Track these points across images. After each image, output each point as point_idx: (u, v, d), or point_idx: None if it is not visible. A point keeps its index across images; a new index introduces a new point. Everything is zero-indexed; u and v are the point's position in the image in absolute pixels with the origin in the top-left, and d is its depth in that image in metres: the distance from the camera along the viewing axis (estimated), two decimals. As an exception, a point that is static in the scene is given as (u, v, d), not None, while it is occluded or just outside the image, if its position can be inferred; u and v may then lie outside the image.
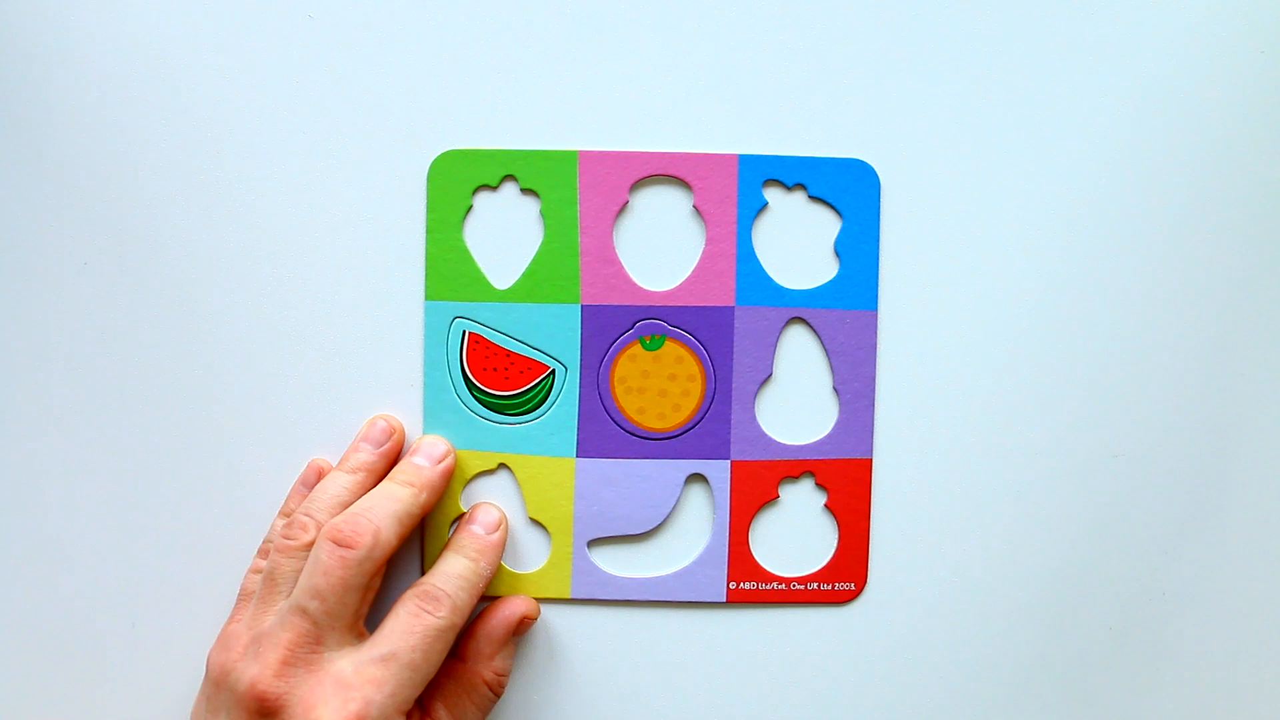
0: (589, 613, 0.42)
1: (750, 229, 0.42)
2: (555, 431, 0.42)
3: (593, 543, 0.42)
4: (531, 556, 0.42)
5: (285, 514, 0.41)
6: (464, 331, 0.42)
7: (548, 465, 0.42)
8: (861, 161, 0.41)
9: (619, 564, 0.42)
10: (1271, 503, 0.42)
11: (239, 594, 0.40)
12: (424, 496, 0.39)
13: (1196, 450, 0.42)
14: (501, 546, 0.41)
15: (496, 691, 0.40)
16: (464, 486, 0.42)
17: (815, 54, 0.41)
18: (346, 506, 0.39)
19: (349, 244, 0.41)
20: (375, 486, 0.40)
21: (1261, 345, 0.42)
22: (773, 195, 0.42)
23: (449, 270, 0.41)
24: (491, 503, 0.42)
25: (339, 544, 0.37)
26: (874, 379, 0.42)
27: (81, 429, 0.42)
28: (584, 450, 0.42)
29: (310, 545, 0.38)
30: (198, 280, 0.41)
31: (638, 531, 0.42)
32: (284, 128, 0.41)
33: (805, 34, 0.41)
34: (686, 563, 0.42)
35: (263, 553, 0.41)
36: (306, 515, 0.39)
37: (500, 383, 0.42)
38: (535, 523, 0.42)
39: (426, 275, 0.41)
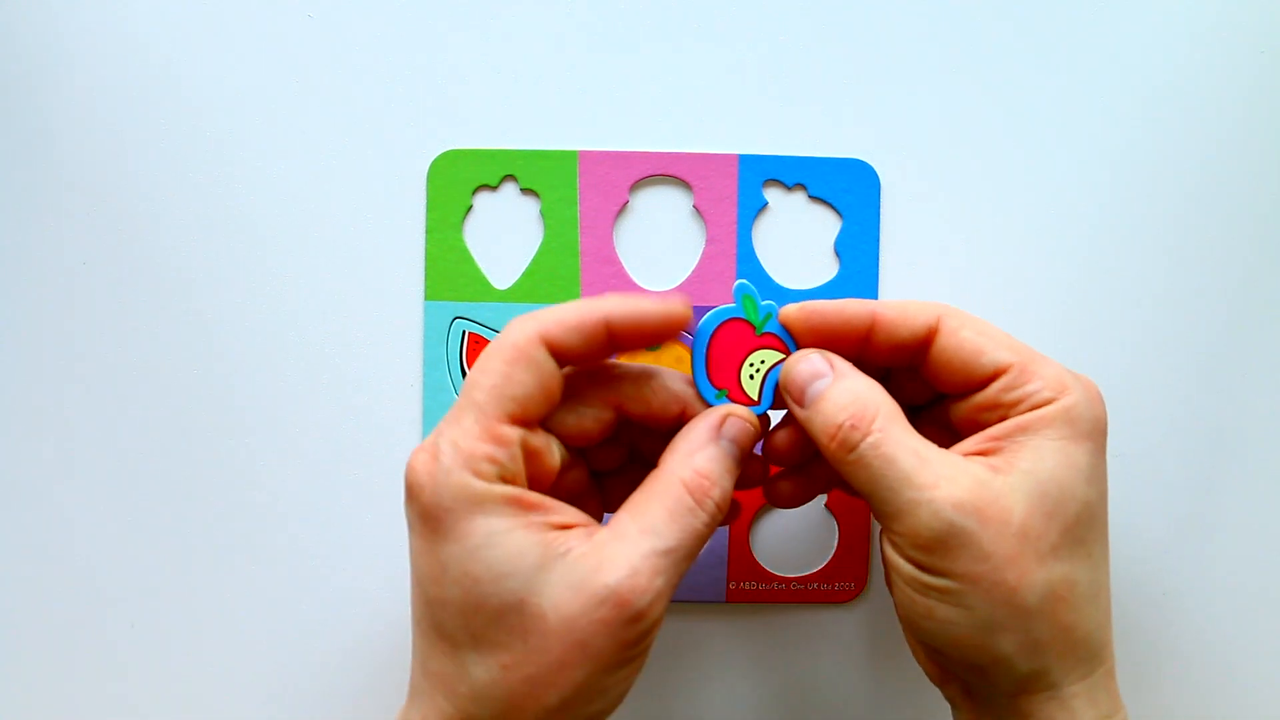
0: (589, 613, 0.42)
1: (750, 229, 0.42)
2: (555, 431, 0.42)
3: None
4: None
5: None
6: (464, 331, 0.42)
7: (548, 465, 0.42)
8: (861, 161, 0.41)
9: (619, 564, 0.42)
10: (1271, 503, 0.42)
11: None
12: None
13: (1196, 450, 0.42)
14: (651, 306, 0.33)
15: (699, 497, 0.31)
16: (464, 486, 0.42)
17: (815, 54, 0.41)
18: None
19: (349, 244, 0.41)
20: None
21: (1261, 346, 0.42)
22: (773, 195, 0.42)
23: (449, 270, 0.41)
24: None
25: None
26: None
27: (81, 428, 0.42)
28: (584, 450, 0.42)
29: None
30: (197, 280, 0.41)
31: (638, 531, 0.42)
32: (284, 128, 0.41)
33: (805, 34, 0.41)
34: (686, 563, 0.42)
35: None
36: None
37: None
38: (535, 523, 0.42)
39: (426, 275, 0.41)
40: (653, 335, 0.33)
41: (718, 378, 0.35)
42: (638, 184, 0.42)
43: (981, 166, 0.42)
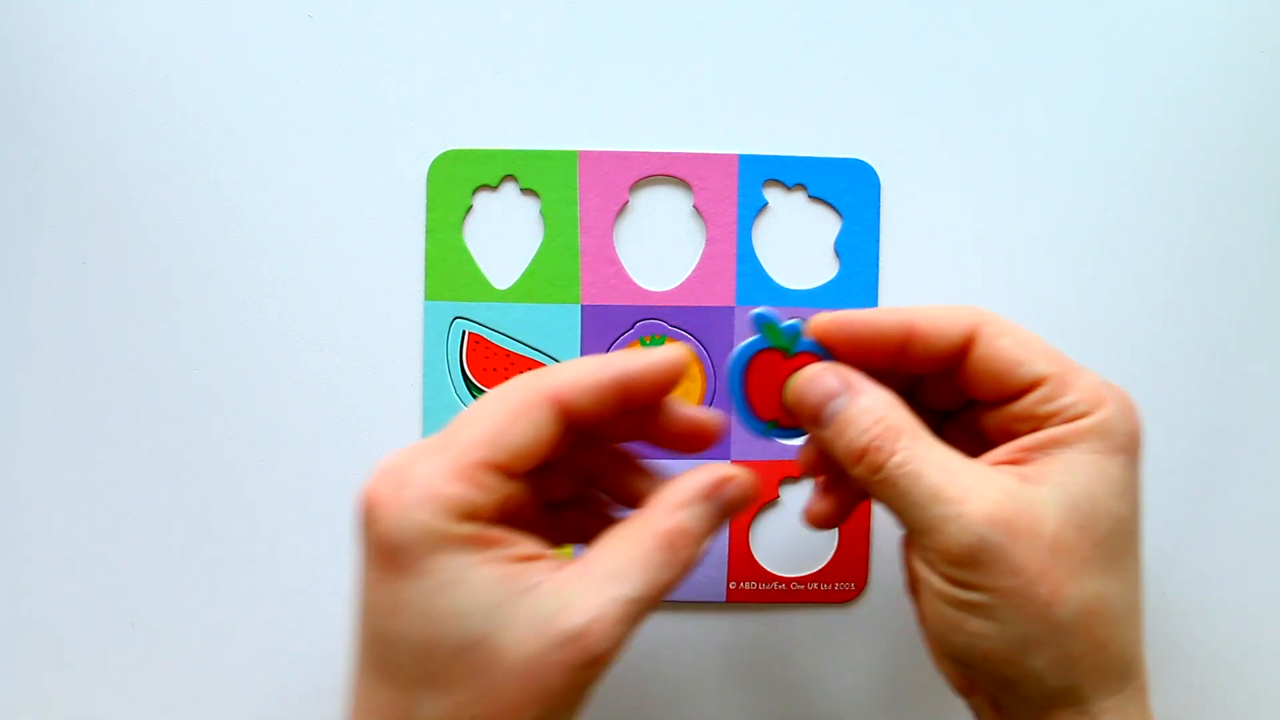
0: (589, 613, 0.42)
1: (750, 229, 0.42)
2: (555, 431, 0.42)
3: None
4: (531, 556, 0.42)
5: None
6: (464, 332, 0.41)
7: (548, 465, 0.42)
8: (861, 161, 0.41)
9: (619, 564, 0.42)
10: (1271, 503, 0.42)
11: None
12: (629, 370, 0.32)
13: (1197, 450, 0.42)
14: (659, 361, 0.32)
15: (673, 550, 0.30)
16: (464, 486, 0.42)
17: (815, 54, 0.41)
18: None
19: (349, 244, 0.41)
20: None
21: (1261, 346, 0.42)
22: (773, 195, 0.42)
23: (449, 270, 0.41)
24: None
25: None
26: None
27: (81, 428, 0.42)
28: (584, 450, 0.42)
29: None
30: (197, 280, 0.41)
31: (638, 531, 0.42)
32: (284, 128, 0.41)
33: (805, 34, 0.41)
34: (686, 563, 0.42)
35: None
36: None
37: (500, 383, 0.41)
38: (535, 523, 0.42)
39: (426, 275, 0.41)
40: (661, 390, 0.32)
41: (763, 410, 0.34)
42: (638, 184, 0.42)
43: (982, 167, 0.42)
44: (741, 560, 0.42)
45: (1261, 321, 0.42)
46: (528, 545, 0.30)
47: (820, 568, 0.42)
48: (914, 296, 0.42)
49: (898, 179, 0.42)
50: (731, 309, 0.42)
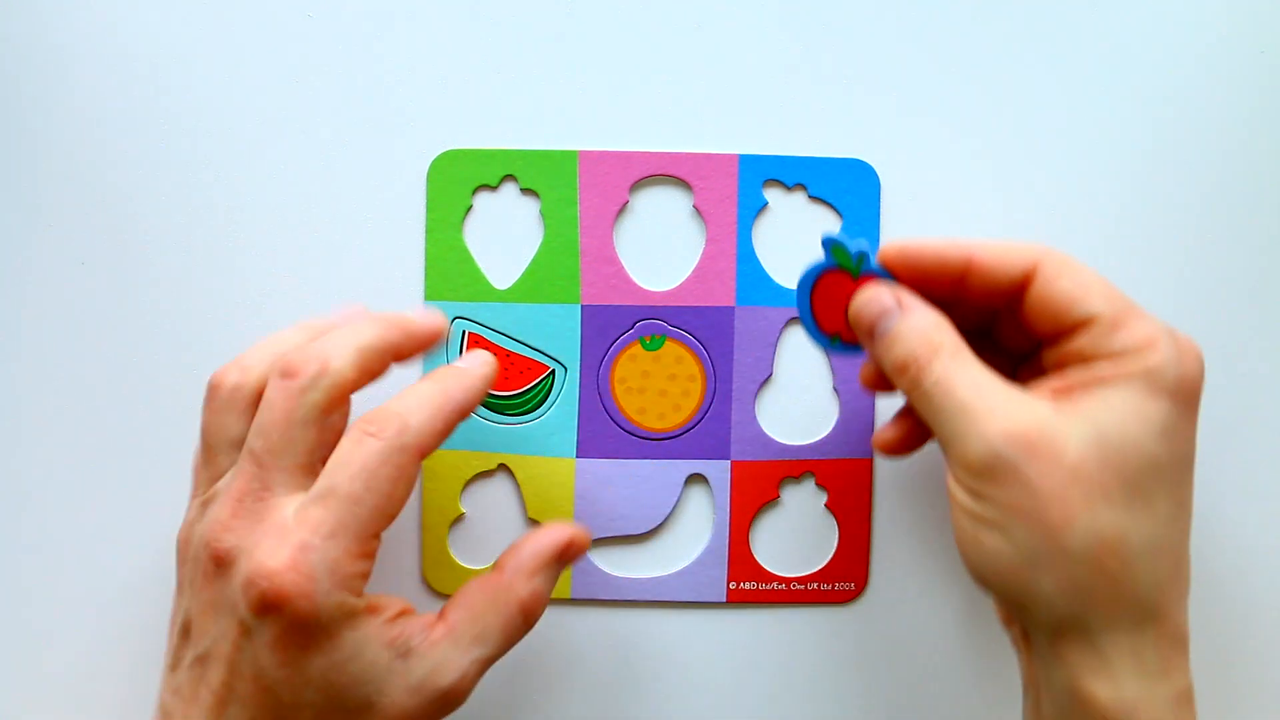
0: (589, 613, 0.42)
1: (750, 229, 0.42)
2: (555, 432, 0.42)
3: (593, 543, 0.42)
4: (531, 557, 0.42)
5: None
6: (464, 331, 0.41)
7: (548, 465, 0.42)
8: (861, 161, 0.41)
9: (619, 564, 0.42)
10: (1271, 503, 0.42)
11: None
12: (395, 334, 0.35)
13: (1197, 450, 0.42)
14: (482, 380, 0.36)
15: (529, 617, 0.35)
16: (464, 487, 0.42)
17: (815, 54, 0.41)
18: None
19: (349, 244, 0.41)
20: None
21: (1261, 346, 0.42)
22: (773, 195, 0.42)
23: (449, 270, 0.41)
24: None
25: (283, 375, 0.33)
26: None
27: (81, 428, 0.42)
28: (584, 450, 0.42)
29: (236, 391, 0.35)
30: (197, 280, 0.41)
31: (638, 532, 0.42)
32: (284, 128, 0.41)
33: (805, 34, 0.41)
34: (687, 563, 0.42)
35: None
36: (234, 363, 0.35)
37: (500, 383, 0.42)
38: (535, 523, 0.42)
39: (426, 275, 0.41)
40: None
41: (827, 324, 0.37)
42: (638, 184, 0.42)
43: (981, 166, 0.42)
44: (741, 560, 0.42)
45: (1262, 321, 0.42)
46: (391, 602, 0.34)
47: (820, 568, 0.42)
48: (914, 296, 0.42)
49: (898, 179, 0.42)
50: (732, 309, 0.42)
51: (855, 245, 0.35)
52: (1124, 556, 0.31)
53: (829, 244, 0.35)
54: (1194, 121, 0.42)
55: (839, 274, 0.36)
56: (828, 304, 0.36)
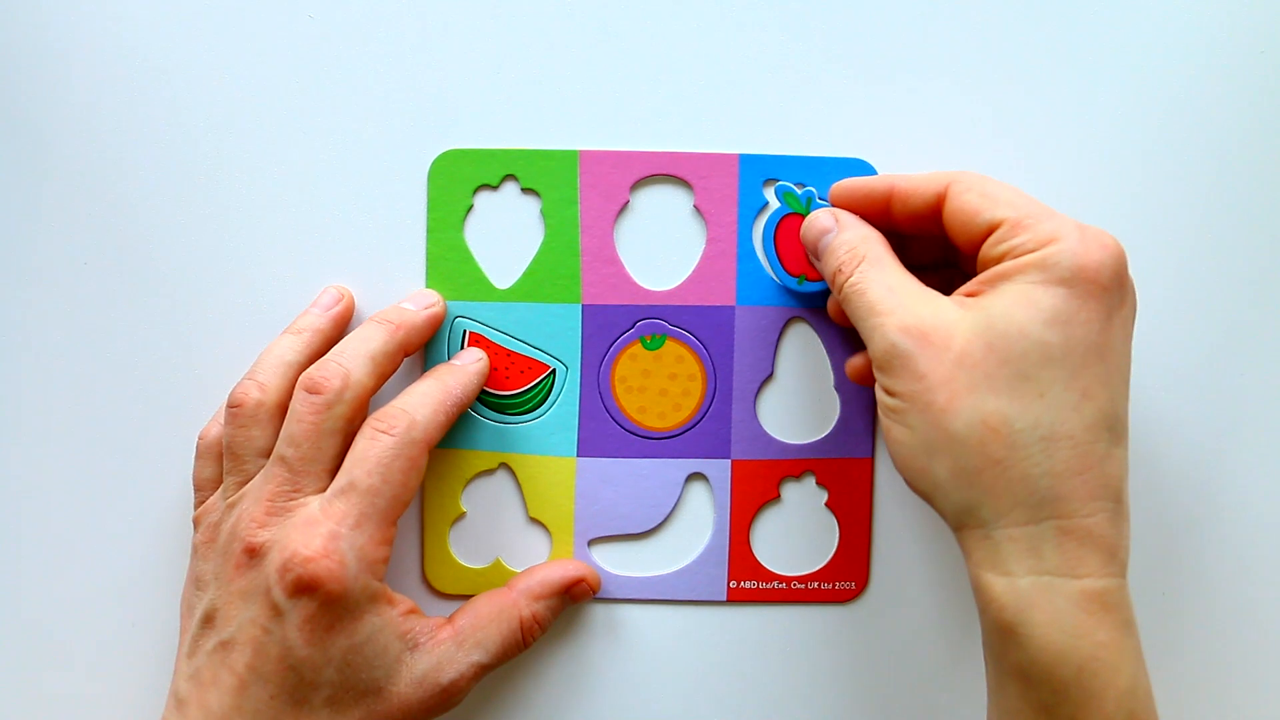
0: (589, 612, 0.42)
1: (750, 229, 0.42)
2: (556, 431, 0.42)
3: (593, 542, 0.42)
4: (532, 556, 0.42)
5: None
6: (464, 331, 0.42)
7: (548, 465, 0.42)
8: (861, 161, 0.42)
9: (619, 563, 0.42)
10: (1272, 503, 0.42)
11: (194, 487, 0.40)
12: (401, 334, 0.39)
13: (1197, 449, 0.42)
14: (477, 375, 0.40)
15: (526, 637, 0.39)
16: (464, 486, 0.42)
17: (815, 54, 0.42)
18: (293, 366, 0.39)
19: (350, 244, 0.41)
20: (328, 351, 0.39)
21: (1261, 346, 0.42)
22: (773, 195, 0.42)
23: (449, 270, 0.41)
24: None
25: (309, 391, 0.37)
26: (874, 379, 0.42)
27: (81, 428, 0.42)
28: (584, 450, 0.42)
29: (259, 407, 0.38)
30: (198, 280, 0.41)
31: (638, 530, 0.42)
32: (284, 128, 0.41)
33: (805, 34, 0.41)
34: (687, 562, 0.42)
35: (203, 438, 0.40)
36: (250, 379, 0.38)
37: (501, 382, 0.42)
38: (536, 522, 0.42)
39: (427, 275, 0.41)
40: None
41: (791, 267, 0.41)
42: (638, 184, 0.42)
43: (981, 166, 0.42)
44: (741, 560, 0.42)
45: (1262, 321, 0.42)
46: (403, 599, 0.38)
47: (820, 567, 0.42)
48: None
49: (898, 179, 0.42)
50: (732, 309, 0.42)
51: (805, 191, 0.40)
52: (1010, 441, 0.32)
53: (781, 192, 0.40)
54: (1194, 121, 0.42)
55: (795, 218, 0.40)
56: (790, 247, 0.40)
